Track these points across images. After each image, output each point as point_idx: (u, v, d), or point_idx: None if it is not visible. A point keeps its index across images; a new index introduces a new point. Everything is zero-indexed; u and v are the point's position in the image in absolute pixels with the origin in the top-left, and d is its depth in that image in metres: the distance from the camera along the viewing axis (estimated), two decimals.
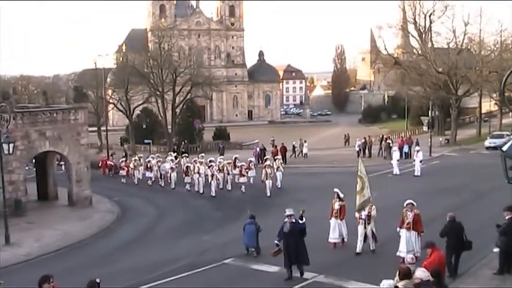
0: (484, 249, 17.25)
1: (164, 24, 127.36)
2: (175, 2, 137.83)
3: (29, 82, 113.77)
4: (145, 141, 62.63)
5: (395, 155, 40.21)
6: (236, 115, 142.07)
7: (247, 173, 34.95)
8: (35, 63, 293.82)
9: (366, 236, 18.74)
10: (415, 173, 37.60)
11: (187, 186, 35.94)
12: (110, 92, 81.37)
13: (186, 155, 45.48)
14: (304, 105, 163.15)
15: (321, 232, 19.93)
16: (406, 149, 47.39)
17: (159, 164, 40.50)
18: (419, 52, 68.25)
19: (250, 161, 37.32)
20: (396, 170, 38.74)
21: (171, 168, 38.73)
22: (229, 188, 35.01)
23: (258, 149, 50.97)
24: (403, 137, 57.19)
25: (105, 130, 66.20)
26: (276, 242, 16.81)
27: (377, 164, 44.24)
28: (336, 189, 20.26)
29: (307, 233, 16.46)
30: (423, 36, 67.23)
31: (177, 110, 74.34)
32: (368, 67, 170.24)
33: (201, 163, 36.41)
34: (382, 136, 56.23)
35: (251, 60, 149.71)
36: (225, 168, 36.14)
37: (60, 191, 33.86)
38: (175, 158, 43.13)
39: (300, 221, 16.40)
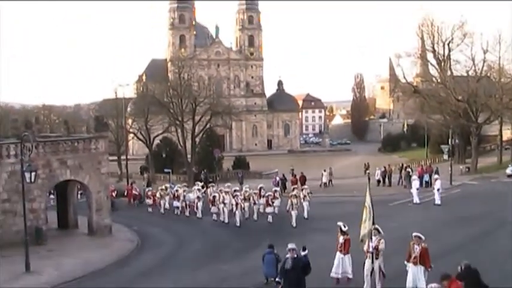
0: (505, 281, 16.88)
1: (184, 54, 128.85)
2: (195, 32, 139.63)
3: (51, 111, 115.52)
4: (165, 170, 62.80)
5: (415, 183, 39.80)
6: (255, 144, 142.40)
7: (272, 202, 34.15)
8: (56, 92, 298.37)
9: (373, 271, 17.59)
10: (435, 202, 37.19)
11: (214, 216, 35.42)
12: (130, 121, 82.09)
13: (213, 184, 45.25)
14: (323, 134, 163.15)
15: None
16: (426, 177, 47.03)
17: (185, 193, 39.99)
18: (439, 80, 68.19)
19: (275, 191, 36.67)
20: (416, 199, 38.36)
21: (198, 197, 38.17)
22: (256, 218, 34.44)
23: (277, 178, 50.85)
24: (423, 166, 56.80)
25: (125, 159, 66.67)
26: (277, 279, 16.62)
27: (397, 193, 44.01)
28: (339, 223, 19.43)
29: (311, 268, 15.75)
30: (442, 64, 67.18)
31: (197, 139, 74.65)
32: (387, 95, 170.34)
33: (226, 192, 35.76)
34: (402, 165, 56.00)
35: (270, 90, 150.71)
36: (251, 197, 35.47)
37: (80, 219, 34.02)
38: (202, 187, 42.82)
39: (302, 253, 15.83)
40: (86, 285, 21.72)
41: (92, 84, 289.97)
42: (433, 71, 72.05)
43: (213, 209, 35.46)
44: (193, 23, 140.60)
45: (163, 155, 76.02)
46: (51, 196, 39.26)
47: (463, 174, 55.78)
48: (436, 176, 40.74)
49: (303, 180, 48.67)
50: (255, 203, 35.39)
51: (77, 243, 29.54)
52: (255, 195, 35.82)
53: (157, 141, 78.68)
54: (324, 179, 52.34)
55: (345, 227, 19.11)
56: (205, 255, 25.69)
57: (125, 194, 48.17)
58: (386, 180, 50.86)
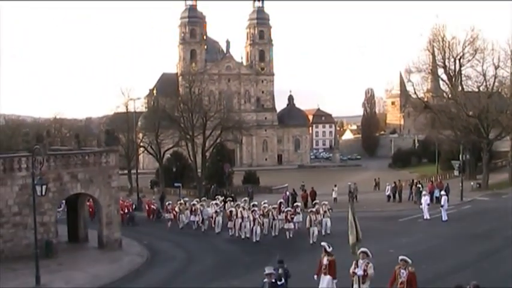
0: None
1: (195, 68, 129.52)
2: (206, 46, 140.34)
3: (62, 125, 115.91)
4: (175, 184, 62.93)
5: (425, 199, 39.61)
6: (266, 159, 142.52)
7: (292, 218, 33.47)
8: (67, 106, 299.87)
9: None
10: (442, 219, 37.03)
11: (230, 232, 34.87)
12: (140, 135, 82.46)
13: (230, 199, 45.03)
14: (333, 149, 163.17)
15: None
16: (437, 193, 46.82)
17: (202, 208, 39.55)
18: (449, 96, 68.03)
19: (297, 206, 36.10)
20: (426, 215, 38.19)
21: (216, 212, 37.63)
22: (274, 234, 33.79)
23: (287, 193, 50.88)
24: (433, 182, 56.55)
25: (136, 173, 66.84)
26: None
27: (407, 209, 43.98)
28: (323, 243, 18.53)
29: None
30: (453, 79, 67.06)
31: (207, 154, 74.83)
32: (398, 111, 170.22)
33: (244, 208, 35.20)
34: (413, 180, 55.78)
35: (281, 104, 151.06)
36: (270, 213, 34.71)
37: (90, 233, 34.11)
38: (225, 202, 42.27)
39: (279, 282, 15.21)
40: None
41: (103, 97, 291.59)
42: (444, 87, 71.90)
43: (230, 224, 34.89)
44: (204, 37, 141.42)
45: (174, 169, 76.23)
46: (59, 209, 39.17)
47: (474, 190, 55.48)
48: (442, 193, 40.55)
49: (313, 195, 48.68)
50: (274, 219, 34.55)
51: (86, 257, 29.61)
52: (274, 210, 35.08)
53: (167, 155, 78.94)
54: (334, 195, 52.20)
55: (329, 247, 18.16)
56: (216, 271, 25.67)
57: (146, 208, 47.86)
58: (397, 196, 50.71)
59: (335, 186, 53.40)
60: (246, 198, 42.66)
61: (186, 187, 71.79)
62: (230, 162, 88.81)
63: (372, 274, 16.31)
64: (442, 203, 37.92)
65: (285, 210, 34.42)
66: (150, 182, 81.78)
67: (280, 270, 15.41)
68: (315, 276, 18.17)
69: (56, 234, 30.23)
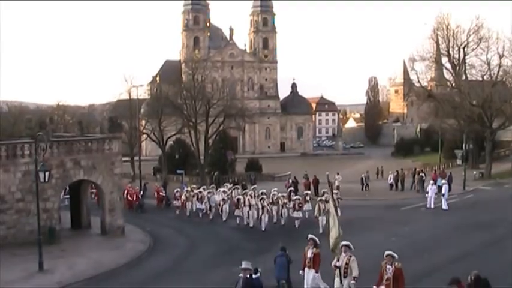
0: None
1: (198, 56, 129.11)
2: (209, 34, 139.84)
3: (65, 112, 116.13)
4: (178, 171, 62.93)
5: (433, 189, 39.06)
6: (268, 147, 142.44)
7: (300, 207, 33.02)
8: (70, 93, 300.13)
9: None
10: (442, 207, 37.02)
11: (238, 220, 34.46)
12: (143, 122, 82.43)
13: (238, 186, 44.79)
14: (336, 137, 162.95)
15: None
16: (439, 182, 46.84)
17: (209, 195, 39.29)
18: (453, 85, 67.89)
19: (306, 194, 35.80)
20: (431, 204, 37.98)
21: (223, 200, 37.18)
22: (283, 223, 33.28)
23: (290, 181, 50.90)
24: (436, 171, 56.53)
25: (139, 160, 66.91)
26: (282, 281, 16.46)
27: (409, 198, 44.00)
28: (310, 235, 17.90)
29: None
30: (457, 68, 66.90)
31: (210, 141, 74.74)
32: (401, 100, 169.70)
33: (251, 196, 34.94)
34: (415, 169, 55.71)
35: (284, 92, 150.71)
36: (279, 201, 34.25)
37: (93, 220, 34.24)
38: (240, 188, 41.67)
39: (254, 276, 14.40)
40: (98, 286, 21.87)
41: (106, 84, 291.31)
42: (448, 76, 71.75)
43: (237, 212, 34.44)
44: (208, 24, 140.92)
45: (176, 156, 76.27)
46: (65, 196, 39.25)
47: (477, 180, 55.50)
48: (443, 181, 40.47)
49: (316, 183, 48.68)
50: (283, 207, 33.90)
51: (89, 244, 29.74)
52: (283, 198, 34.52)
53: (170, 142, 78.89)
54: (337, 183, 52.15)
55: (319, 241, 17.74)
56: (218, 258, 25.77)
57: (155, 195, 47.78)
58: (399, 184, 50.72)
59: (337, 174, 53.36)
60: (255, 185, 42.15)
61: (189, 174, 71.81)
62: (233, 149, 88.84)
63: (355, 268, 15.83)
64: (443, 191, 37.92)
65: (295, 198, 33.94)
66: (153, 169, 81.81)
67: (255, 271, 14.53)
68: (301, 271, 17.84)
69: (59, 220, 30.38)
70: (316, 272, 17.36)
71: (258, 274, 14.38)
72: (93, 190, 39.35)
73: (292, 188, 40.15)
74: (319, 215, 30.52)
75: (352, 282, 15.75)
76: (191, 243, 30.02)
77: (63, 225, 32.04)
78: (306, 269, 17.55)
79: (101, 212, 32.51)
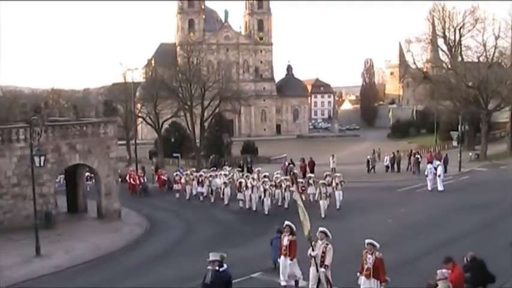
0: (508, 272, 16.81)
1: (193, 38, 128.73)
2: (204, 16, 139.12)
3: (60, 96, 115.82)
4: (174, 154, 62.98)
5: (431, 170, 38.87)
6: (264, 129, 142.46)
7: (303, 190, 31.98)
8: (65, 77, 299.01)
9: (319, 281, 15.45)
10: (438, 188, 37.03)
11: (240, 203, 33.97)
12: (139, 106, 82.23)
13: (240, 169, 44.52)
14: (332, 119, 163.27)
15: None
16: (435, 163, 46.93)
17: (210, 178, 38.74)
18: (449, 66, 67.89)
19: (310, 177, 35.17)
20: (430, 186, 37.83)
21: (224, 183, 36.69)
22: (286, 206, 32.57)
23: (286, 163, 50.93)
24: (431, 152, 56.60)
25: (134, 144, 66.87)
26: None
27: (405, 179, 44.07)
28: (287, 222, 17.31)
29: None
30: (453, 50, 66.83)
31: (206, 124, 74.82)
32: (397, 81, 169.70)
33: (254, 178, 34.31)
34: (411, 151, 55.76)
35: (279, 75, 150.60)
36: (282, 184, 33.65)
37: (89, 204, 34.25)
38: (241, 171, 41.29)
39: (220, 268, 13.50)
40: (95, 269, 21.91)
41: (101, 68, 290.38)
42: (444, 57, 71.73)
43: (239, 196, 33.98)
44: (202, 7, 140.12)
45: (172, 140, 76.33)
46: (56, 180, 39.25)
47: (472, 161, 55.60)
48: (437, 163, 40.40)
49: (312, 165, 48.66)
50: (285, 190, 33.13)
51: (86, 228, 29.77)
52: (286, 181, 33.87)
53: (166, 125, 78.94)
54: (332, 165, 52.16)
55: (295, 228, 17.03)
56: (215, 241, 25.76)
57: (156, 179, 47.81)
58: (395, 166, 50.80)
59: (333, 156, 53.37)
60: (259, 168, 41.61)
61: (185, 157, 71.91)
62: (229, 132, 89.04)
63: (331, 256, 15.26)
64: (438, 173, 37.87)
65: (297, 181, 33.21)
66: (148, 153, 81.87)
67: (223, 264, 13.62)
68: (279, 260, 17.35)
69: (55, 205, 30.39)
70: (291, 259, 16.83)
71: (225, 266, 13.70)
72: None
73: (295, 171, 39.86)
74: (320, 198, 29.75)
75: (322, 270, 15.21)
76: (189, 227, 30.05)
77: (59, 210, 32.07)
78: (282, 257, 17.04)
79: (97, 196, 32.51)
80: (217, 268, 13.32)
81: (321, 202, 29.61)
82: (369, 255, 14.13)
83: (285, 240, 16.92)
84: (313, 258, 15.30)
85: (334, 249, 15.43)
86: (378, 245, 14.18)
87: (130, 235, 27.92)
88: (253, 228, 27.94)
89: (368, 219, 28.12)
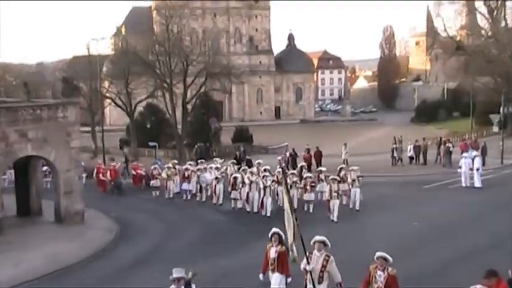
0: None
1: (172, 1, 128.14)
2: None
3: (6, 71, 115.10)
4: (150, 143, 62.90)
5: (467, 162, 38.72)
6: (260, 113, 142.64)
7: (313, 187, 31.96)
8: (14, 49, 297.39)
9: None
10: (475, 184, 36.89)
11: (234, 203, 33.78)
12: (106, 84, 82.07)
13: (234, 161, 44.30)
14: (343, 100, 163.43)
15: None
16: (470, 154, 46.77)
17: (199, 173, 38.20)
18: (489, 34, 67.68)
19: (321, 171, 34.84)
20: (467, 182, 37.53)
21: (216, 178, 36.14)
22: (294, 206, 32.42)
23: (287, 154, 50.78)
24: (466, 140, 56.59)
25: (101, 130, 66.70)
26: None
27: (433, 173, 44.05)
28: (274, 229, 16.84)
29: None
30: (494, 13, 66.61)
31: (189, 107, 74.73)
32: (423, 53, 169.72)
33: (252, 173, 33.86)
34: (441, 139, 55.71)
35: (279, 46, 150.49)
36: (288, 179, 32.25)
37: (45, 204, 34.04)
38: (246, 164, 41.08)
39: None
40: (52, 285, 21.76)
41: (59, 38, 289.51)
42: (483, 22, 71.60)
43: (233, 194, 33.65)
44: None
45: (148, 126, 76.18)
46: (4, 176, 39.13)
47: None
48: (474, 153, 40.12)
49: (319, 157, 48.59)
50: (291, 187, 31.45)
51: (40, 234, 29.53)
52: (293, 176, 33.22)
53: (140, 108, 78.92)
54: (344, 156, 52.05)
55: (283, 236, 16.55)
56: (201, 248, 25.64)
57: (134, 174, 47.48)
58: (421, 157, 50.70)
59: (345, 145, 53.30)
60: (260, 160, 41.26)
61: (164, 147, 71.92)
62: (217, 116, 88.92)
63: (336, 271, 14.90)
64: (476, 165, 37.71)
65: (306, 176, 33.02)
66: (119, 142, 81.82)
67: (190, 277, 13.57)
68: (261, 276, 17.24)
69: (1, 206, 30.17)
70: (287, 275, 16.63)
71: (193, 286, 13.59)
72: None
73: (302, 164, 39.60)
74: (331, 198, 29.14)
75: None
76: (169, 231, 29.86)
77: (6, 213, 31.83)
78: (269, 272, 16.76)
79: (54, 195, 32.32)
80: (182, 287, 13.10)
81: (331, 203, 29.11)
82: (379, 272, 13.68)
83: (273, 252, 16.53)
84: (308, 274, 14.80)
85: (341, 261, 15.26)
86: (391, 260, 13.77)
87: (95, 242, 27.76)
88: (249, 233, 27.76)
89: (388, 222, 28.05)
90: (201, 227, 30.14)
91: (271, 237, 16.74)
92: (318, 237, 15.06)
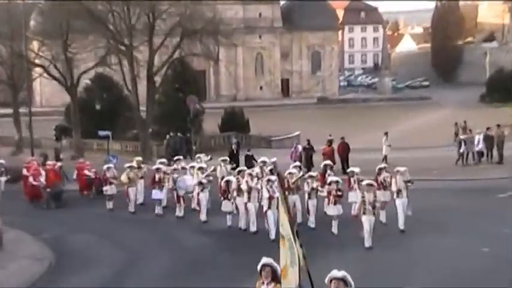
0: None
1: None
2: None
3: None
4: (101, 133, 62.83)
5: None
6: (261, 88, 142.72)
7: (340, 196, 31.19)
8: None
9: None
10: None
11: (228, 219, 33.55)
12: (35, 45, 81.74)
13: (228, 159, 44.00)
14: (381, 70, 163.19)
15: None
16: None
17: (175, 175, 37.88)
18: None
19: (353, 173, 34.65)
20: None
21: (200, 184, 35.82)
22: (312, 226, 32.20)
23: (299, 148, 50.75)
24: None
25: (29, 114, 66.57)
26: None
27: None
28: (266, 259, 16.15)
29: None
30: None
31: (157, 79, 74.39)
32: (498, 2, 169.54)
33: (252, 176, 33.64)
34: None
35: None
36: (305, 185, 32.96)
37: None
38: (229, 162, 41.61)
39: None
40: None
41: None
42: None
43: (225, 206, 33.51)
44: None
45: (98, 107, 75.81)
46: None
47: None
48: None
49: (345, 151, 48.49)
50: (310, 196, 32.44)
51: None
52: (312, 180, 33.04)
53: (86, 81, 78.67)
54: (385, 151, 51.95)
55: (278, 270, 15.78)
56: (171, 283, 25.69)
57: (75, 177, 47.05)
58: (495, 152, 50.67)
59: (386, 135, 53.25)
60: (265, 159, 40.81)
61: (121, 138, 71.76)
62: (198, 93, 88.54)
63: None
64: None
65: (331, 181, 31.91)
66: (54, 130, 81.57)
67: None
68: None
69: None
70: None
71: None
72: None
73: (327, 162, 39.03)
74: (365, 212, 28.50)
75: None
76: (127, 262, 29.85)
77: None
78: None
79: None
80: None
81: (363, 219, 28.64)
82: None
83: None
84: None
85: None
86: (352, 284, 13.65)
87: (21, 276, 27.82)
88: (243, 266, 27.49)
89: (447, 247, 28.04)
90: (174, 255, 30.13)
91: (261, 271, 16.15)
92: (335, 273, 14.30)
